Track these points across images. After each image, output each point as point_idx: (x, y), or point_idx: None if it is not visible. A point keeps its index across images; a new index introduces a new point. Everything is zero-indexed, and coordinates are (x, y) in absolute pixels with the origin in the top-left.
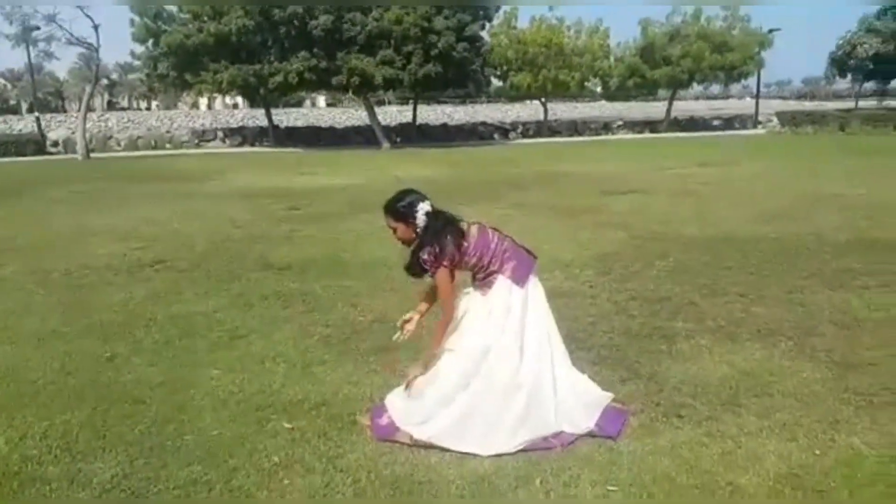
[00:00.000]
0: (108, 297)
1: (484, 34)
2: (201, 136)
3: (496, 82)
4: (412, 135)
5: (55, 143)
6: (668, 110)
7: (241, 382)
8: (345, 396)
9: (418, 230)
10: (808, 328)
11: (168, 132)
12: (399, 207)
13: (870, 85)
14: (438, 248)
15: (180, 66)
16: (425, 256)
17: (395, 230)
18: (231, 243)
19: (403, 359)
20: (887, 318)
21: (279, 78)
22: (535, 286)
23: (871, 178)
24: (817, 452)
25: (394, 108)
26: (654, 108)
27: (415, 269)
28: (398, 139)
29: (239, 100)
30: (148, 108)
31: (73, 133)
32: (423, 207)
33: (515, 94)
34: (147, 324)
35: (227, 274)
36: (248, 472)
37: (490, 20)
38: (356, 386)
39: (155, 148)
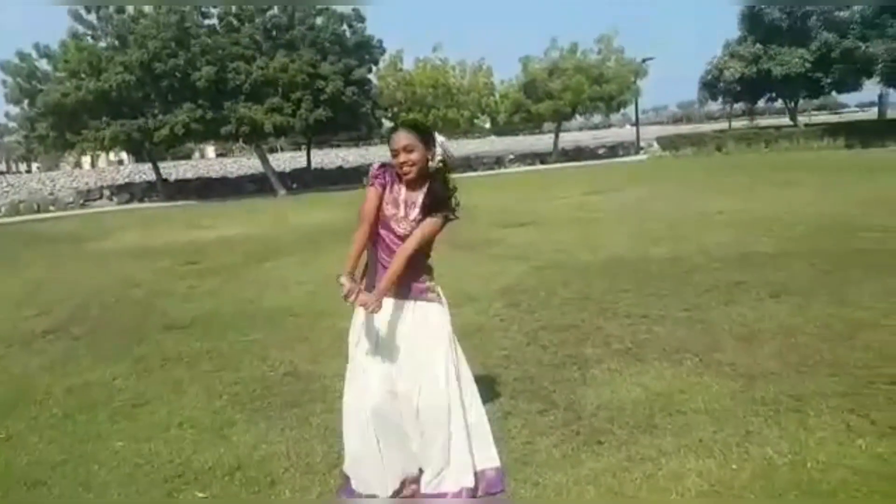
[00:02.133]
0: (0, 372)
1: (372, 77)
2: (87, 196)
3: (388, 123)
4: (308, 180)
5: None
6: (556, 142)
7: (147, 453)
8: (260, 457)
9: (430, 164)
10: (709, 344)
11: (51, 194)
12: (425, 129)
13: (739, 106)
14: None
15: (60, 126)
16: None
17: (411, 151)
18: (127, 305)
19: (319, 411)
20: (781, 328)
21: (164, 131)
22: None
23: (747, 195)
24: (734, 467)
25: (287, 155)
26: (542, 141)
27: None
28: (294, 185)
29: (124, 155)
30: (28, 171)
31: None
32: (443, 146)
33: None
34: (43, 398)
35: (125, 338)
36: None
37: (376, 63)
38: (271, 444)
39: (38, 211)
